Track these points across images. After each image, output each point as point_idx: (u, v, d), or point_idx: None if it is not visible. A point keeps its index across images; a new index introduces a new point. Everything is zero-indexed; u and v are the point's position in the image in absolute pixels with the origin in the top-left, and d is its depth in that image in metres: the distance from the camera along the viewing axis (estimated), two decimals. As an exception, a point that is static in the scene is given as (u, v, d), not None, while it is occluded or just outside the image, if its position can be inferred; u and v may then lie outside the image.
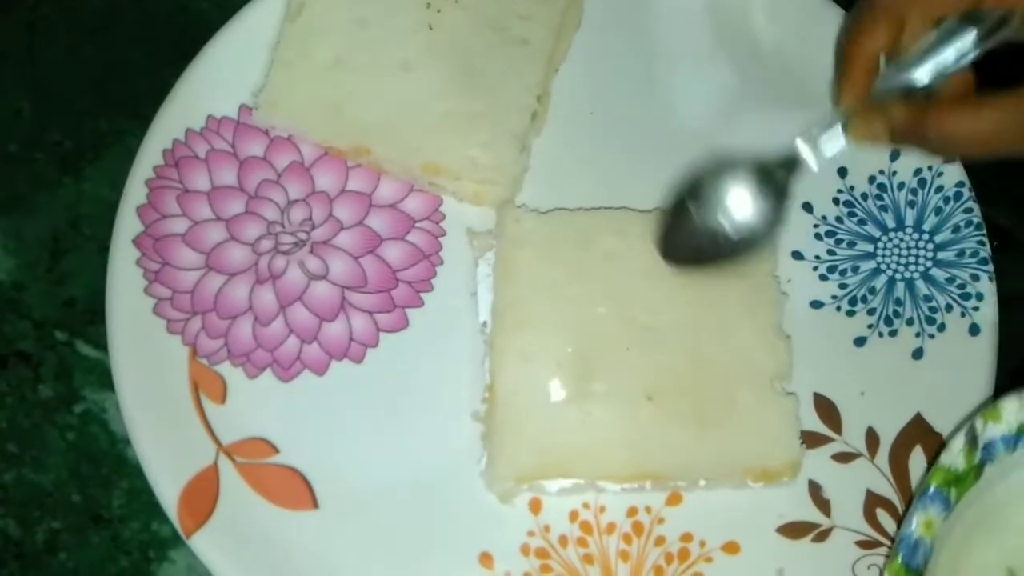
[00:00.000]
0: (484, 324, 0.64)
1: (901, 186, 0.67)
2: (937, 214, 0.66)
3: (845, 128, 0.58)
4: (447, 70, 0.66)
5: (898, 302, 0.65)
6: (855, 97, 0.58)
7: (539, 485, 0.61)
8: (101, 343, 0.63)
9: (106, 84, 0.73)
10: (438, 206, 0.67)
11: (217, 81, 0.68)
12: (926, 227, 0.66)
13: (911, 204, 0.67)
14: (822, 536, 0.61)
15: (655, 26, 0.71)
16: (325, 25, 0.67)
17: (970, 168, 0.67)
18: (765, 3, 0.71)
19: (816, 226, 0.67)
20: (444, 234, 0.66)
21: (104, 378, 0.64)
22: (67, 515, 0.64)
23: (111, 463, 0.65)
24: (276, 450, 0.62)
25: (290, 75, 0.66)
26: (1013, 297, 0.68)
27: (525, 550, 0.60)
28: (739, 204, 0.60)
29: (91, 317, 0.67)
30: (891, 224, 0.67)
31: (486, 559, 0.60)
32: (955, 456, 0.56)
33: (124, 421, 0.61)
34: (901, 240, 0.66)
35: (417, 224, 0.66)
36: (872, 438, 0.62)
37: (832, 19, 0.69)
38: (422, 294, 0.65)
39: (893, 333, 0.64)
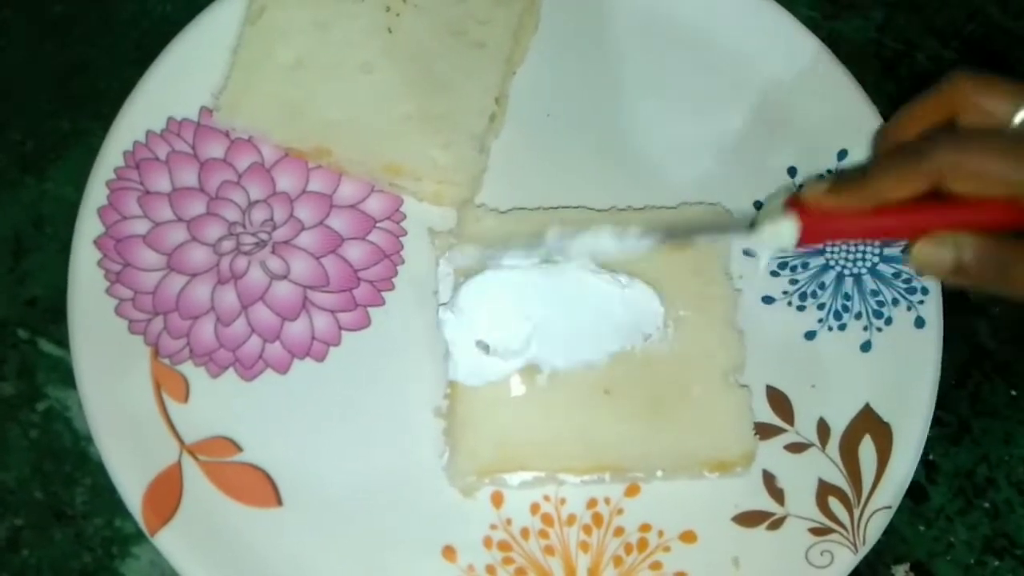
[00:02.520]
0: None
1: (849, 184, 0.69)
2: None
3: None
4: (406, 72, 0.67)
5: (847, 297, 0.67)
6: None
7: (500, 479, 0.62)
8: (63, 341, 0.63)
9: (68, 84, 0.72)
10: (399, 206, 0.67)
11: (177, 83, 0.68)
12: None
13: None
14: (776, 524, 0.62)
15: (611, 30, 0.72)
16: (286, 27, 0.67)
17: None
18: (720, 8, 0.72)
19: (767, 224, 0.68)
20: (405, 234, 0.67)
21: (67, 376, 0.64)
22: (30, 512, 0.64)
23: (74, 460, 0.65)
24: (239, 448, 0.62)
25: (251, 77, 0.67)
26: (959, 294, 0.70)
27: (488, 543, 0.61)
28: None
29: (53, 315, 0.67)
30: (839, 221, 0.68)
31: (449, 552, 0.61)
32: None
33: (87, 422, 0.61)
34: (849, 236, 0.68)
35: (378, 224, 0.67)
36: (823, 429, 0.64)
37: (785, 24, 0.71)
38: (383, 293, 0.66)
39: (842, 327, 0.66)
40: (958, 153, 0.50)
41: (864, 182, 0.53)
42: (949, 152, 0.50)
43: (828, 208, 0.54)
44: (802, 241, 0.55)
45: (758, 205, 0.68)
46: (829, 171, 0.68)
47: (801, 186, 0.64)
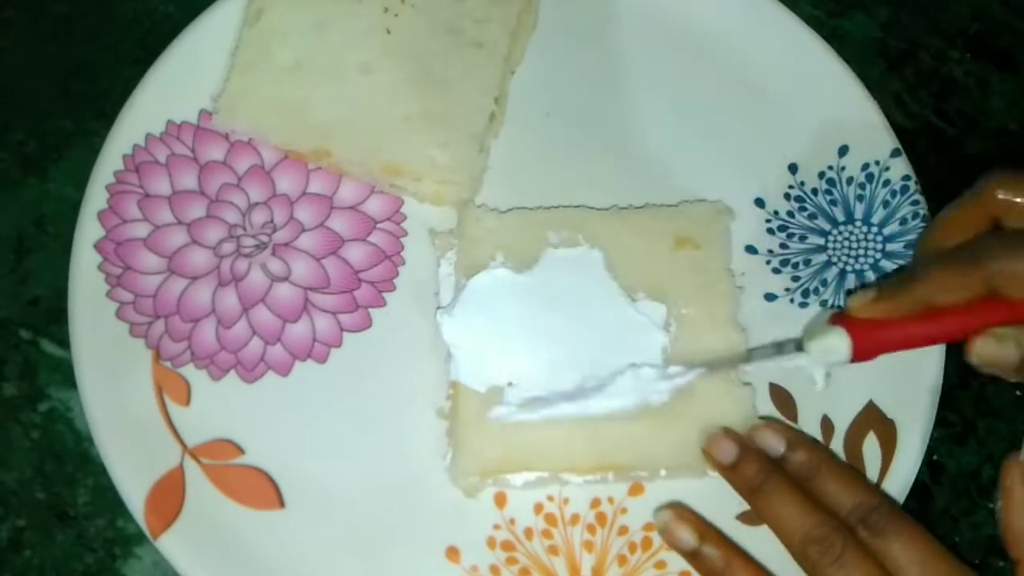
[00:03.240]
0: (446, 324, 0.64)
1: (850, 181, 0.69)
2: (885, 207, 0.68)
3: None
4: (405, 73, 0.67)
5: (849, 293, 0.66)
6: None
7: (503, 479, 0.61)
8: (65, 342, 0.63)
9: (70, 84, 0.73)
10: (399, 207, 0.67)
11: (176, 86, 0.68)
12: (875, 220, 0.68)
13: (860, 198, 0.68)
14: (781, 522, 0.62)
15: (610, 28, 0.72)
16: (284, 29, 0.67)
17: (919, 165, 0.69)
18: (721, 6, 0.72)
19: (768, 221, 0.68)
20: (405, 234, 0.67)
21: (69, 376, 0.63)
22: (32, 513, 0.64)
23: (76, 461, 0.65)
24: (242, 451, 0.62)
25: (249, 79, 0.67)
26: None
27: (491, 543, 0.61)
28: None
29: (55, 316, 0.67)
30: (841, 218, 0.68)
31: (453, 553, 0.61)
32: None
33: (89, 425, 0.61)
34: (851, 233, 0.68)
35: (378, 225, 0.67)
36: (827, 426, 0.64)
37: (786, 22, 0.71)
38: (385, 294, 0.66)
39: (845, 324, 0.66)
40: (1012, 260, 0.51)
41: (913, 288, 0.54)
42: (1003, 259, 0.51)
43: (877, 316, 0.55)
44: (855, 357, 0.56)
45: (759, 202, 0.68)
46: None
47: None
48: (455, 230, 0.66)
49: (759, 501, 0.56)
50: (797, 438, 0.58)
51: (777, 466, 0.57)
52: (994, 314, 0.53)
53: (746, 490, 0.57)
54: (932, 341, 0.59)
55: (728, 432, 0.59)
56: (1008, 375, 0.54)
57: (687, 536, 0.56)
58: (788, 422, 0.64)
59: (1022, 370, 0.52)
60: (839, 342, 0.56)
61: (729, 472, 0.58)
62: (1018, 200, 0.54)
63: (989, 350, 0.53)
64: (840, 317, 0.57)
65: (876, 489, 0.61)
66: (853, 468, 0.58)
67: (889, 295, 0.55)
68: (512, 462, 0.61)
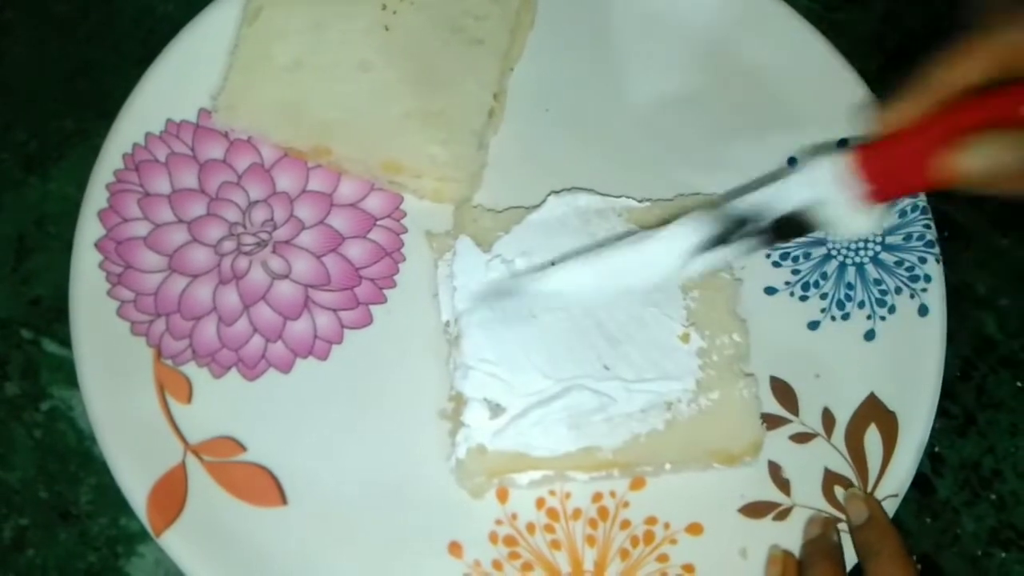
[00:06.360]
0: (447, 324, 0.64)
1: (849, 174, 0.69)
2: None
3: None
4: (404, 70, 0.67)
5: (849, 286, 0.67)
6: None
7: (509, 478, 0.61)
8: (67, 341, 0.63)
9: (72, 83, 0.73)
10: (399, 204, 0.68)
11: (175, 86, 0.68)
12: (873, 213, 0.68)
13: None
14: (783, 515, 0.62)
15: (607, 24, 0.72)
16: (283, 28, 0.68)
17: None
18: (719, 1, 0.72)
19: (768, 215, 0.68)
20: (405, 231, 0.67)
21: (71, 376, 0.63)
22: (35, 512, 0.64)
23: (78, 460, 0.65)
24: (244, 448, 0.62)
25: (249, 78, 0.67)
26: (964, 286, 0.70)
27: (493, 538, 0.61)
28: None
29: (57, 315, 0.67)
30: (840, 211, 0.68)
31: (455, 548, 0.61)
32: None
33: (91, 424, 0.61)
34: (850, 226, 0.68)
35: (378, 222, 0.67)
36: (828, 418, 0.64)
37: (784, 16, 0.72)
38: (385, 291, 0.66)
39: (845, 316, 0.66)
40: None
41: (928, 75, 0.49)
42: (1016, 31, 0.47)
43: (897, 122, 0.50)
44: (872, 186, 0.51)
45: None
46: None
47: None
48: (452, 231, 0.66)
49: (872, 564, 0.57)
50: (879, 514, 0.59)
51: (895, 535, 0.58)
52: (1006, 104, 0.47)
53: (865, 550, 0.58)
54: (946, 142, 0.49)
55: (866, 496, 0.61)
56: (1005, 187, 0.48)
57: None
58: (789, 415, 0.64)
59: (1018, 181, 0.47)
60: (836, 160, 0.51)
61: (854, 531, 0.60)
62: None
63: (985, 152, 0.47)
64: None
65: None
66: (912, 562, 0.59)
67: (903, 94, 0.49)
68: (519, 461, 0.60)
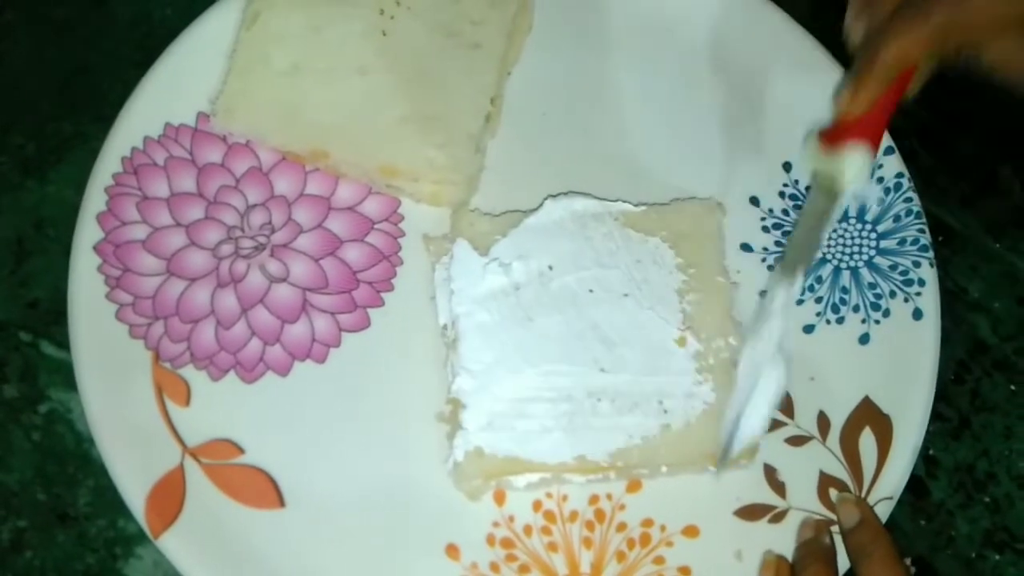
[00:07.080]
0: (444, 327, 0.65)
1: (844, 178, 0.69)
2: (879, 204, 0.68)
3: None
4: (402, 74, 0.67)
5: (844, 290, 0.67)
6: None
7: (506, 481, 0.62)
8: (65, 343, 0.63)
9: (70, 87, 0.73)
10: (396, 208, 0.68)
11: (174, 89, 0.68)
12: (868, 217, 0.68)
13: (853, 196, 0.69)
14: (778, 517, 0.62)
15: (605, 29, 0.73)
16: (281, 32, 0.68)
17: (915, 168, 0.69)
18: (714, 7, 0.73)
19: (763, 219, 0.69)
20: (403, 235, 0.67)
21: (69, 378, 0.64)
22: (33, 514, 0.64)
23: (76, 462, 0.65)
24: (242, 451, 0.62)
25: (247, 81, 0.67)
26: (958, 290, 0.71)
27: (491, 540, 0.61)
28: None
29: (55, 318, 0.67)
30: (835, 215, 0.69)
31: (452, 551, 0.61)
32: None
33: (89, 427, 0.61)
34: (845, 230, 0.68)
35: (376, 226, 0.67)
36: (823, 421, 0.64)
37: (780, 21, 0.72)
38: (383, 294, 0.66)
39: (840, 320, 0.66)
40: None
41: (875, 61, 0.56)
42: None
43: (862, 108, 0.58)
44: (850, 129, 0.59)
45: (754, 201, 0.69)
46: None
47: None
48: (449, 235, 0.66)
49: (864, 566, 0.58)
50: (870, 517, 0.60)
51: (887, 538, 0.58)
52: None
53: (857, 553, 0.59)
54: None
55: (857, 499, 0.61)
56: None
57: None
58: (784, 418, 0.64)
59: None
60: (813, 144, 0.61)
61: (846, 534, 0.60)
62: None
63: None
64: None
65: None
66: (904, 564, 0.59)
67: (855, 86, 0.58)
68: (517, 464, 0.61)
